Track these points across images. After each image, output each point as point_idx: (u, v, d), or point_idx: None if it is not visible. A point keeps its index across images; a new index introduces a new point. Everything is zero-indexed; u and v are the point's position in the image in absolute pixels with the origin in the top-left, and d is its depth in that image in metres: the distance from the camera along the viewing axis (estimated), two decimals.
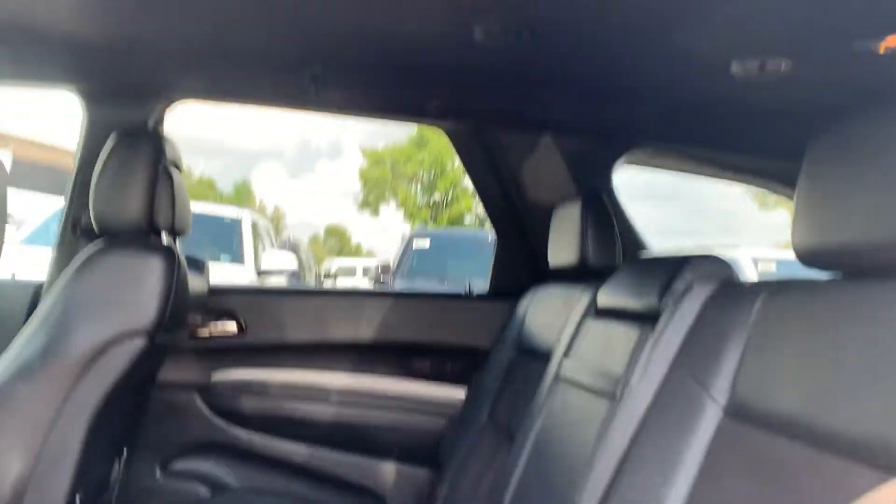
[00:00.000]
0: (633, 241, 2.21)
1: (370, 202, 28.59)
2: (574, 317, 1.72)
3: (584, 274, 1.91)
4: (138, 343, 1.51)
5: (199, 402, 2.25)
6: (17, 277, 2.16)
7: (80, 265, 1.53)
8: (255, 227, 7.65)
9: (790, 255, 1.06)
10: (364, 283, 14.36)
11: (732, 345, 1.10)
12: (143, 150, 1.64)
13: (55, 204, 5.78)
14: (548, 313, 2.00)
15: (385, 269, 8.72)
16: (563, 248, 2.00)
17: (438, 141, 23.07)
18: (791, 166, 1.06)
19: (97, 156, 1.69)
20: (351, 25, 1.33)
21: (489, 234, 4.17)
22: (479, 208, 23.31)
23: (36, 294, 1.96)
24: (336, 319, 2.34)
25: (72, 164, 2.04)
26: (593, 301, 1.67)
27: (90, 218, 1.67)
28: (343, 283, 15.47)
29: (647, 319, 1.37)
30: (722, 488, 1.01)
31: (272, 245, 8.29)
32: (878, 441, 0.80)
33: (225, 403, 2.26)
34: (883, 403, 0.81)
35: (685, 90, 1.63)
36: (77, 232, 1.90)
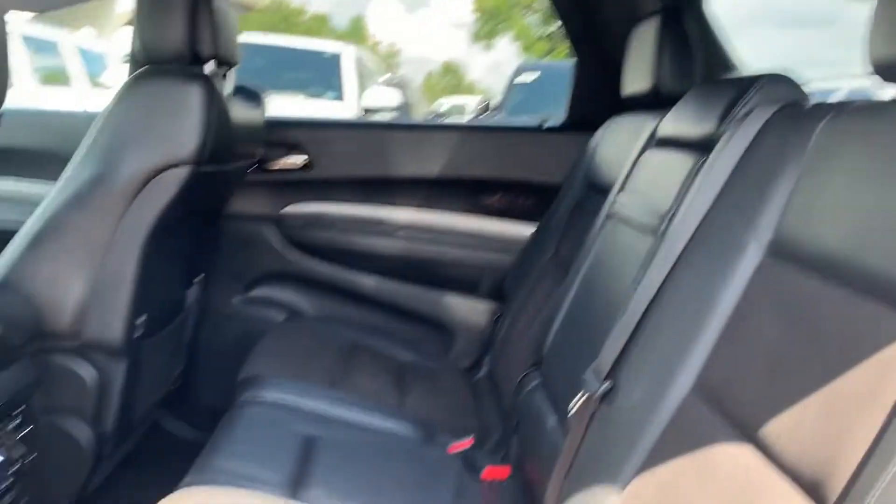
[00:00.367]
0: (721, 66, 1.98)
1: (485, 35, 27.59)
2: (636, 149, 1.59)
3: (659, 102, 1.74)
4: (182, 172, 1.51)
5: (272, 234, 2.30)
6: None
7: (121, 94, 1.52)
8: (359, 63, 7.56)
9: None
10: None
11: (784, 175, 0.96)
12: None
13: None
14: (616, 146, 1.85)
15: (485, 108, 8.45)
16: (637, 73, 1.82)
17: None
18: None
19: None
20: None
21: None
22: None
23: None
24: (404, 154, 2.28)
25: None
26: (655, 131, 1.52)
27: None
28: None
29: (703, 148, 1.23)
30: (752, 329, 0.92)
31: (378, 82, 8.21)
32: None
33: (296, 235, 2.30)
34: None
35: None
36: (136, 61, 1.89)
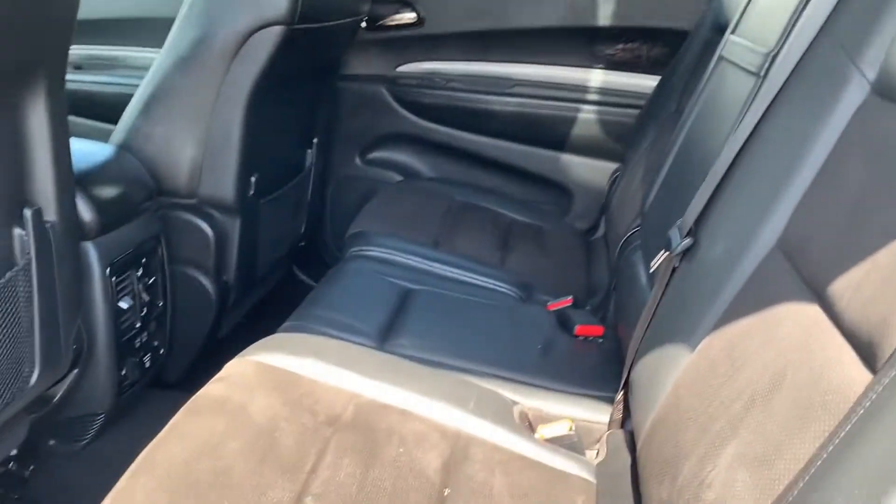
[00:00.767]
0: None
1: None
2: None
3: None
4: (276, 32, 1.52)
5: (387, 95, 2.29)
6: None
7: None
8: None
9: None
10: None
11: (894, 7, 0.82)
12: None
13: None
14: None
15: None
16: None
17: None
18: None
19: None
20: None
21: None
22: None
23: None
24: (519, 3, 2.16)
25: None
26: None
27: None
28: None
29: None
30: (842, 177, 0.82)
31: None
32: None
33: (410, 96, 2.28)
34: None
35: None
36: None
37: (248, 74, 1.55)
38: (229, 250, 1.68)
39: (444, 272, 1.65)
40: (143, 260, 1.49)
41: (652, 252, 1.32)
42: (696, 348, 0.96)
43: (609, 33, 2.15)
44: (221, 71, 1.54)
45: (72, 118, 2.18)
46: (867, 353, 0.63)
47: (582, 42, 2.18)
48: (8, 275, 1.06)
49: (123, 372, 1.46)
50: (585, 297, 1.73)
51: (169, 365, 1.68)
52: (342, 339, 1.29)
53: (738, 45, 1.25)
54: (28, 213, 1.08)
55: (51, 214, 1.13)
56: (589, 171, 2.24)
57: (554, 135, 2.23)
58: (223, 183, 1.61)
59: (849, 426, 0.57)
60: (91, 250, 1.34)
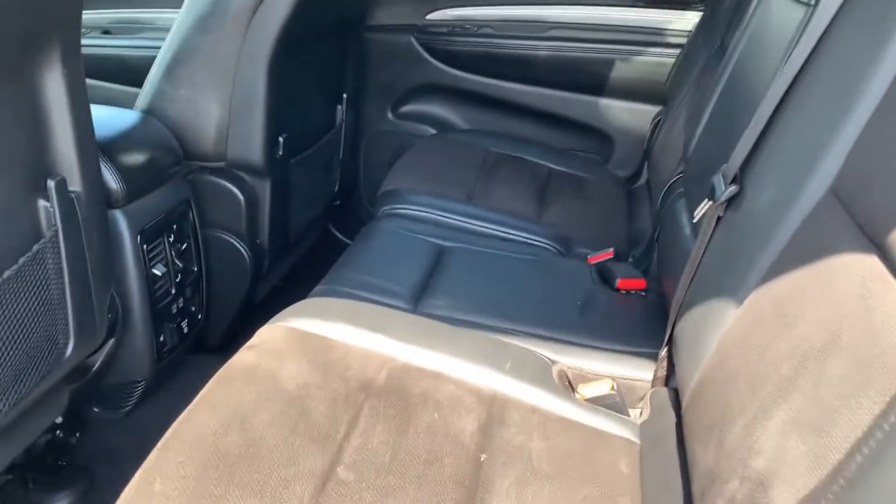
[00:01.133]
0: None
1: None
2: None
3: None
4: None
5: (416, 45, 2.22)
6: None
7: None
8: None
9: None
10: None
11: None
12: None
13: None
14: None
15: None
16: None
17: None
18: None
19: None
20: None
21: None
22: None
23: None
24: None
25: None
26: None
27: None
28: None
29: None
30: None
31: None
32: None
33: (441, 45, 2.21)
34: None
35: None
36: None
37: (268, 31, 1.50)
38: (261, 213, 1.66)
39: (478, 228, 1.60)
40: (174, 226, 1.47)
41: (696, 200, 1.25)
42: (742, 302, 0.90)
43: None
44: (241, 30, 1.49)
45: (103, 84, 2.20)
46: None
47: None
48: (35, 247, 1.05)
49: (162, 338, 1.46)
50: (627, 248, 1.67)
51: (208, 330, 1.68)
52: (375, 301, 1.27)
53: None
54: (52, 183, 1.06)
55: (75, 184, 1.11)
56: (630, 115, 2.15)
57: (592, 79, 2.14)
58: (251, 144, 1.58)
59: None
60: (120, 218, 1.33)
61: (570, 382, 1.14)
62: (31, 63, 1.00)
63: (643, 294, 1.40)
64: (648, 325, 1.29)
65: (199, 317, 1.59)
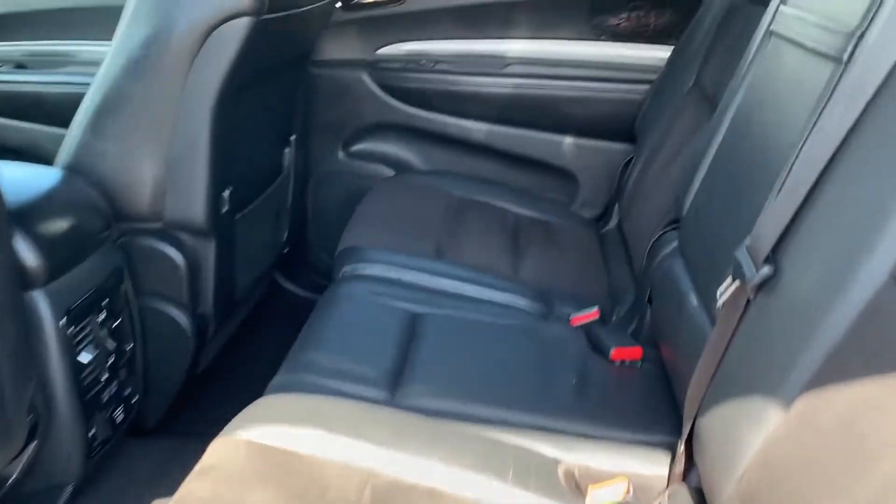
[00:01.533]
0: None
1: None
2: None
3: None
4: (243, 24, 1.29)
5: (368, 81, 2.07)
6: None
7: None
8: None
9: None
10: None
11: None
12: None
13: None
14: None
15: None
16: None
17: None
18: None
19: None
20: None
21: None
22: None
23: None
24: None
25: None
26: None
27: None
28: None
29: None
30: None
31: None
32: None
33: (394, 81, 2.06)
34: None
35: None
36: None
37: (212, 75, 1.32)
38: (204, 278, 1.47)
39: (452, 289, 1.46)
40: (105, 301, 1.28)
41: (703, 266, 1.13)
42: (790, 405, 0.78)
43: (612, 2, 1.94)
44: (181, 73, 1.31)
45: (18, 123, 1.97)
46: None
47: (581, 12, 1.97)
48: None
49: (92, 432, 1.26)
50: (608, 303, 1.55)
51: (145, 410, 1.48)
52: (345, 392, 1.10)
53: (798, 20, 1.05)
54: None
55: None
56: (595, 154, 2.04)
57: (555, 117, 2.03)
58: (192, 202, 1.40)
59: None
60: (40, 301, 1.13)
61: (577, 483, 1.00)
62: None
63: (639, 364, 1.28)
64: (653, 404, 1.17)
65: (135, 400, 1.39)
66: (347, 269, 1.48)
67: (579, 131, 2.03)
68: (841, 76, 0.89)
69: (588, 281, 1.62)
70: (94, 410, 1.26)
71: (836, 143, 0.81)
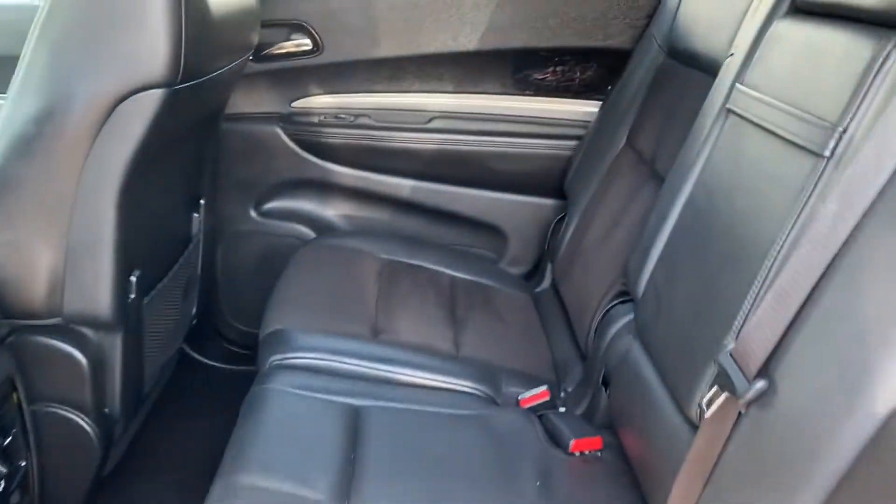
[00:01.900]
0: None
1: None
2: (756, 13, 1.17)
3: None
4: (154, 97, 1.15)
5: (282, 135, 1.93)
6: None
7: None
8: None
9: None
10: None
11: None
12: None
13: None
14: (715, 1, 1.43)
15: None
16: None
17: None
18: None
19: None
20: None
21: None
22: None
23: None
24: (432, 24, 1.85)
25: None
26: None
27: None
28: None
29: (891, 26, 0.84)
30: None
31: None
32: None
33: (310, 136, 1.93)
34: None
35: None
36: None
37: (117, 154, 1.17)
38: (109, 376, 1.30)
39: (394, 375, 1.34)
40: None
41: (669, 358, 1.07)
42: None
43: (536, 55, 1.89)
44: (80, 153, 1.15)
45: None
46: None
47: (505, 66, 1.91)
48: None
49: None
50: (555, 379, 1.48)
51: None
52: None
53: (761, 104, 1.01)
54: None
55: None
56: (524, 210, 1.98)
57: (482, 172, 1.96)
58: (95, 292, 1.23)
59: None
60: None
61: None
62: None
63: (599, 454, 1.20)
64: (620, 499, 1.09)
65: None
66: (275, 358, 1.33)
67: (507, 187, 1.97)
68: (824, 171, 0.85)
69: (531, 353, 1.54)
70: None
71: (835, 247, 0.76)
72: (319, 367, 1.33)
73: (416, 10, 1.84)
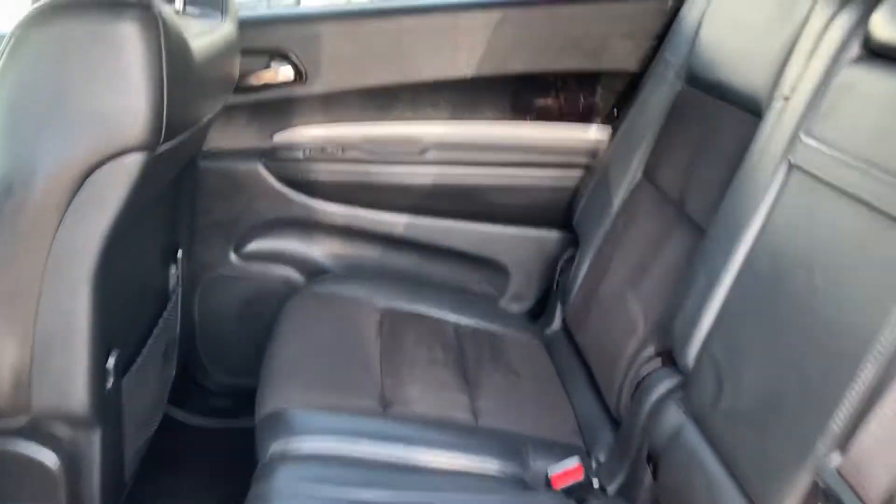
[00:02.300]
0: None
1: None
2: (817, 53, 1.05)
3: None
4: (133, 161, 0.98)
5: (264, 172, 1.77)
6: None
7: (15, 45, 0.95)
8: None
9: None
10: None
11: None
12: None
13: None
14: (753, 24, 1.30)
15: None
16: None
17: None
18: None
19: None
20: None
21: None
22: None
23: None
24: (425, 48, 1.70)
25: None
26: (859, 27, 0.98)
27: None
28: None
29: None
30: None
31: None
32: None
33: (295, 172, 1.77)
34: None
35: None
36: None
37: (92, 228, 1.00)
38: (87, 477, 1.13)
39: (411, 459, 1.20)
40: None
41: (741, 454, 0.94)
42: None
43: (538, 80, 1.76)
44: (48, 230, 0.98)
45: None
46: None
47: (506, 92, 1.77)
48: None
49: None
50: (579, 440, 1.35)
51: None
52: None
53: (841, 165, 0.89)
54: None
55: None
56: (527, 244, 1.85)
57: (481, 205, 1.82)
58: (68, 384, 1.06)
59: None
60: None
61: None
62: None
63: None
64: None
65: None
66: (276, 446, 1.18)
67: (508, 219, 1.83)
68: None
69: (554, 414, 1.41)
70: None
71: None
72: (328, 455, 1.17)
73: (408, 34, 1.70)
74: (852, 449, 0.74)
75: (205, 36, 1.19)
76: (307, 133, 1.76)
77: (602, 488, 1.24)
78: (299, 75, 1.70)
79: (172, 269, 1.53)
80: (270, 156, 1.76)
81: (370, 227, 1.82)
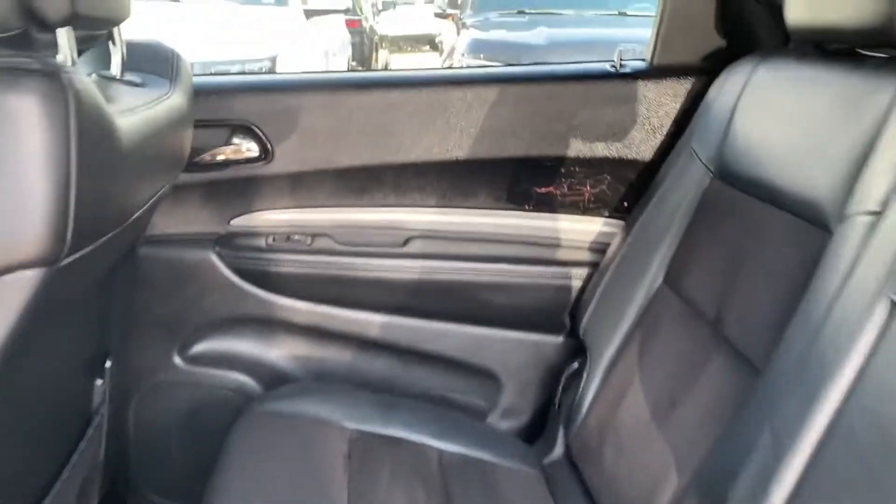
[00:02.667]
0: None
1: None
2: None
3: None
4: (28, 277, 0.73)
5: (217, 262, 1.51)
6: None
7: None
8: None
9: None
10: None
11: None
12: None
13: None
14: (807, 117, 1.10)
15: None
16: None
17: None
18: None
19: None
20: None
21: None
22: None
23: None
24: (411, 125, 1.49)
25: None
26: None
27: None
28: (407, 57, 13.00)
29: None
30: None
31: None
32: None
33: (253, 263, 1.52)
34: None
35: None
36: None
37: None
38: None
39: None
40: None
41: None
42: None
43: (539, 166, 1.54)
44: None
45: None
46: None
47: (503, 178, 1.55)
48: None
49: None
50: None
51: None
52: None
53: None
54: None
55: None
56: (521, 349, 1.61)
57: (470, 305, 1.58)
58: None
59: None
60: None
61: None
62: None
63: None
64: None
65: None
66: None
67: (502, 322, 1.59)
68: None
69: None
70: None
71: None
72: None
73: (392, 110, 1.48)
74: None
75: (143, 109, 0.94)
76: (271, 218, 1.52)
77: None
78: (264, 152, 1.47)
79: (98, 384, 1.25)
80: (226, 243, 1.51)
81: (340, 328, 1.57)
